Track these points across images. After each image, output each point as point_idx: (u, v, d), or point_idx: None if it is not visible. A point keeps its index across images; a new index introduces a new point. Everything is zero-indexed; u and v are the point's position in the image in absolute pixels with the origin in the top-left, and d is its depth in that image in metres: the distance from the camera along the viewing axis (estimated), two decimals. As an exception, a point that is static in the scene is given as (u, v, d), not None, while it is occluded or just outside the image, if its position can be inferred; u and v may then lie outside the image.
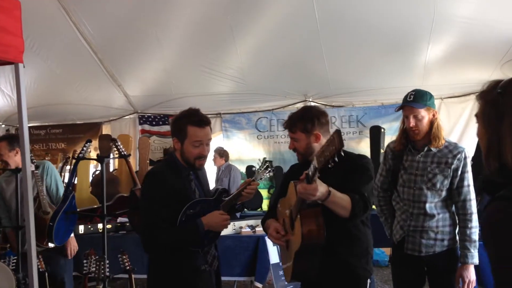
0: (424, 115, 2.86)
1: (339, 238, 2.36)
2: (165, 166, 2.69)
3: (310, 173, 1.99)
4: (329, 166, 1.86)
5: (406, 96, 2.93)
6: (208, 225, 2.53)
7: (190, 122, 2.52)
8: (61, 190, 3.99)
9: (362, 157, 2.51)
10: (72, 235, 4.02)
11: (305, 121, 2.44)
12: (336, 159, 1.82)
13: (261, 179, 2.75)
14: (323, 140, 2.43)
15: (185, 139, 2.54)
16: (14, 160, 3.88)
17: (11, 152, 3.88)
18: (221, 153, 7.19)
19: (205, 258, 2.63)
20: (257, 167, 2.82)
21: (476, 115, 1.47)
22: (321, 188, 2.05)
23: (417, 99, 2.86)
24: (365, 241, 2.48)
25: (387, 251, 6.69)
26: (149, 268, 2.70)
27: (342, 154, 1.81)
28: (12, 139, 3.90)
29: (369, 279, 2.44)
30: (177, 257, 2.56)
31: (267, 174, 2.77)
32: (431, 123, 2.88)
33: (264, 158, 2.59)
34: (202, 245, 2.62)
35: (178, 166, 2.61)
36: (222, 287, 2.85)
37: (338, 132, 1.80)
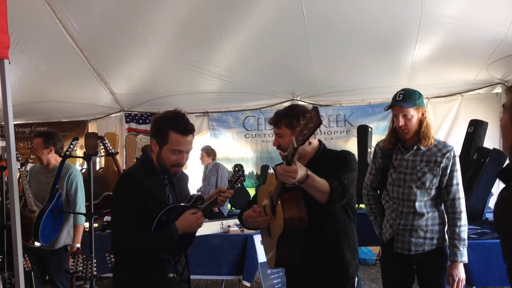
0: (414, 114, 2.87)
1: (326, 233, 2.37)
2: (140, 168, 2.54)
3: (289, 154, 2.00)
4: (309, 143, 1.86)
5: (395, 96, 2.93)
6: (183, 228, 2.39)
7: (174, 128, 2.37)
8: (80, 202, 4.01)
9: (345, 152, 2.52)
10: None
11: (290, 117, 2.44)
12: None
13: (234, 188, 2.70)
14: None
15: (165, 145, 2.40)
16: (47, 157, 4.00)
17: (45, 150, 3.97)
18: (208, 152, 7.18)
19: (175, 267, 2.55)
20: (232, 174, 2.76)
21: (504, 106, 1.53)
22: (301, 170, 2.05)
23: (406, 98, 2.87)
24: (352, 237, 2.49)
25: (375, 249, 6.74)
26: (114, 274, 2.60)
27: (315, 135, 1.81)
28: (48, 137, 3.99)
29: (356, 276, 2.45)
30: (146, 265, 2.43)
31: (238, 183, 2.73)
32: (420, 122, 2.89)
33: (235, 166, 2.56)
34: (174, 253, 2.52)
35: (154, 169, 2.48)
36: None
37: (316, 109, 1.80)
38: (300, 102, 7.36)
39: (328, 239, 2.39)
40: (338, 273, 2.41)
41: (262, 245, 4.44)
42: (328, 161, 2.18)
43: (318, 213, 2.30)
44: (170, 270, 2.50)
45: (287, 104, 7.15)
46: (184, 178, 2.79)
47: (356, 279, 2.45)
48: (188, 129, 2.40)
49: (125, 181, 2.48)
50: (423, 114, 2.90)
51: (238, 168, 2.79)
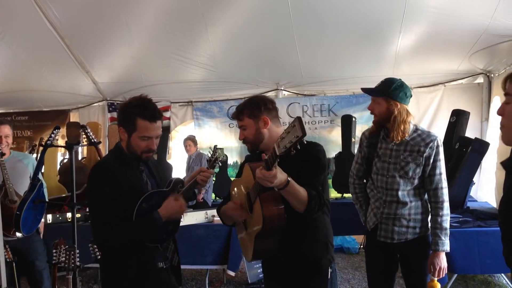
0: (381, 102, 2.91)
1: (296, 228, 2.35)
2: (113, 157, 2.53)
3: (270, 159, 1.98)
4: (291, 153, 1.85)
5: None
6: (166, 215, 2.39)
7: (141, 115, 2.36)
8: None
9: (313, 145, 2.45)
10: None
11: (251, 106, 2.45)
12: (298, 147, 1.82)
13: (213, 166, 2.67)
14: (273, 126, 2.46)
15: (133, 132, 2.40)
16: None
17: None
18: (195, 141, 7.15)
19: (164, 254, 2.55)
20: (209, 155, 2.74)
21: (508, 94, 1.53)
22: (281, 176, 2.05)
23: (379, 86, 2.94)
24: (323, 229, 2.47)
25: (358, 238, 6.80)
26: (100, 265, 2.58)
27: (305, 142, 1.81)
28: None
29: (330, 268, 2.44)
30: (132, 255, 2.41)
31: (218, 162, 2.71)
32: (390, 113, 2.89)
33: (215, 146, 2.55)
34: (161, 240, 2.52)
35: (126, 157, 2.47)
36: (182, 282, 2.76)
37: (299, 119, 1.78)
38: (284, 92, 7.38)
39: (297, 232, 2.38)
40: (309, 266, 2.41)
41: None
42: (297, 158, 2.08)
43: (292, 217, 2.28)
44: (159, 258, 2.50)
45: (271, 93, 7.18)
46: (168, 167, 2.78)
47: (330, 271, 2.44)
48: (155, 116, 2.40)
49: (99, 170, 2.46)
50: (394, 108, 2.88)
51: (215, 147, 2.76)
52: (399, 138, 2.90)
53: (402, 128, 2.88)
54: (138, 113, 2.37)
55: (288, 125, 1.83)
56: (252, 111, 2.43)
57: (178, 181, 2.64)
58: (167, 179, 2.70)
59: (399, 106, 2.88)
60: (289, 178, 2.09)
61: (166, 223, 2.42)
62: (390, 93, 2.87)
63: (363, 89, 3.02)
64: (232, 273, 5.03)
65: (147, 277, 2.44)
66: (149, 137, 2.40)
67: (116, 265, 2.45)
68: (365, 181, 3.23)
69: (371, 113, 3.00)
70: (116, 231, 2.31)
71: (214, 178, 7.14)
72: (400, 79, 2.95)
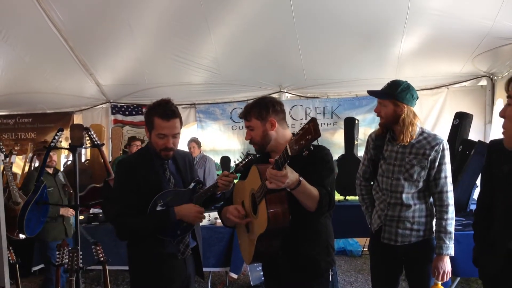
0: (387, 104, 2.89)
1: (298, 230, 2.35)
2: (137, 155, 2.77)
3: (281, 159, 1.98)
4: (303, 154, 1.85)
5: None
6: (180, 214, 2.56)
7: (156, 114, 2.55)
8: None
9: (321, 148, 2.46)
10: None
11: (259, 107, 2.46)
12: (311, 147, 1.83)
13: (238, 172, 2.73)
14: (279, 128, 2.47)
15: (152, 130, 2.60)
16: None
17: None
18: (199, 143, 7.16)
19: (177, 247, 2.68)
20: (239, 160, 2.79)
21: (510, 96, 1.54)
22: (292, 175, 2.04)
23: (386, 89, 2.92)
24: (325, 233, 2.46)
25: (361, 241, 6.79)
26: (127, 255, 2.77)
27: (311, 148, 1.83)
28: None
29: (331, 271, 2.44)
30: (148, 245, 2.62)
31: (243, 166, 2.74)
32: (396, 115, 2.88)
33: (248, 152, 2.62)
34: (174, 236, 2.64)
35: (151, 155, 2.65)
36: (203, 275, 2.98)
37: (314, 121, 1.79)
38: (287, 94, 7.38)
39: (299, 235, 2.37)
40: (309, 268, 2.41)
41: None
42: (304, 161, 2.11)
43: (295, 219, 2.28)
44: (171, 250, 2.68)
45: (274, 96, 7.16)
46: (187, 159, 2.88)
47: (330, 273, 2.43)
48: (168, 114, 2.55)
49: (118, 167, 2.71)
50: (401, 110, 2.87)
51: (247, 152, 2.86)
52: (408, 140, 2.89)
53: (410, 130, 2.87)
54: (154, 112, 2.56)
55: (291, 127, 1.83)
56: (260, 112, 2.44)
57: (198, 181, 2.79)
58: (193, 174, 2.86)
59: (406, 108, 2.87)
60: (300, 178, 2.09)
61: (180, 220, 2.58)
62: (397, 95, 2.85)
63: (370, 92, 3.00)
64: (234, 276, 5.03)
65: (162, 264, 2.65)
66: (165, 135, 2.56)
67: (138, 255, 2.69)
68: (371, 183, 3.22)
69: (378, 115, 2.99)
70: (132, 219, 2.56)
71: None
72: (406, 81, 2.94)
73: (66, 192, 4.67)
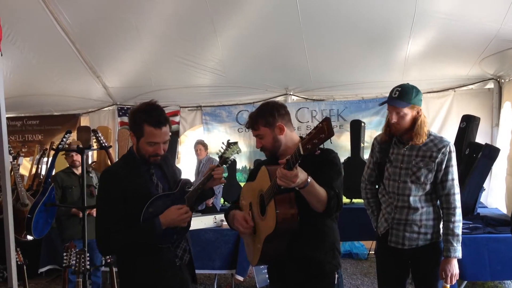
0: (407, 112, 2.85)
1: (304, 233, 2.35)
2: (122, 163, 2.60)
3: (292, 159, 1.98)
4: (316, 153, 1.87)
5: (391, 92, 2.91)
6: (166, 223, 2.44)
7: (147, 121, 2.42)
8: None
9: (330, 151, 2.46)
10: None
11: (265, 115, 2.46)
12: (323, 146, 1.84)
13: (226, 163, 2.66)
14: (287, 131, 2.47)
15: (141, 137, 2.47)
16: None
17: None
18: (206, 146, 7.17)
19: (175, 253, 2.60)
20: (221, 151, 2.68)
21: None
22: (302, 175, 2.05)
23: (402, 96, 2.84)
24: (331, 235, 2.46)
25: (367, 244, 6.78)
26: (117, 262, 2.66)
27: (331, 142, 1.83)
28: None
29: (336, 274, 2.44)
30: (142, 253, 2.49)
31: (232, 155, 2.67)
32: (414, 120, 2.87)
33: (228, 141, 2.52)
34: (170, 240, 2.56)
35: (136, 162, 2.54)
36: (197, 280, 2.81)
37: (328, 120, 1.81)
38: (293, 97, 7.38)
39: (305, 237, 2.38)
40: (314, 271, 2.41)
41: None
42: (313, 163, 2.14)
43: (302, 222, 2.29)
44: (169, 256, 2.56)
45: (280, 98, 7.18)
46: (169, 162, 2.80)
47: (336, 276, 2.43)
48: (160, 122, 2.44)
49: (103, 178, 2.58)
50: (418, 113, 2.87)
51: (228, 141, 2.77)
52: (423, 140, 2.87)
53: (425, 130, 2.87)
54: (145, 119, 2.43)
55: (297, 130, 1.84)
56: (267, 120, 2.44)
57: (186, 182, 2.68)
58: (176, 178, 2.74)
59: (420, 111, 2.88)
60: (309, 178, 2.09)
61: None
62: (414, 100, 2.84)
63: (389, 102, 2.90)
64: (240, 278, 5.03)
65: (156, 272, 2.51)
66: (156, 142, 2.46)
67: (127, 262, 2.54)
68: (377, 186, 3.21)
69: (397, 125, 2.89)
70: (115, 236, 2.40)
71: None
72: (408, 83, 2.93)
73: (89, 192, 4.59)
